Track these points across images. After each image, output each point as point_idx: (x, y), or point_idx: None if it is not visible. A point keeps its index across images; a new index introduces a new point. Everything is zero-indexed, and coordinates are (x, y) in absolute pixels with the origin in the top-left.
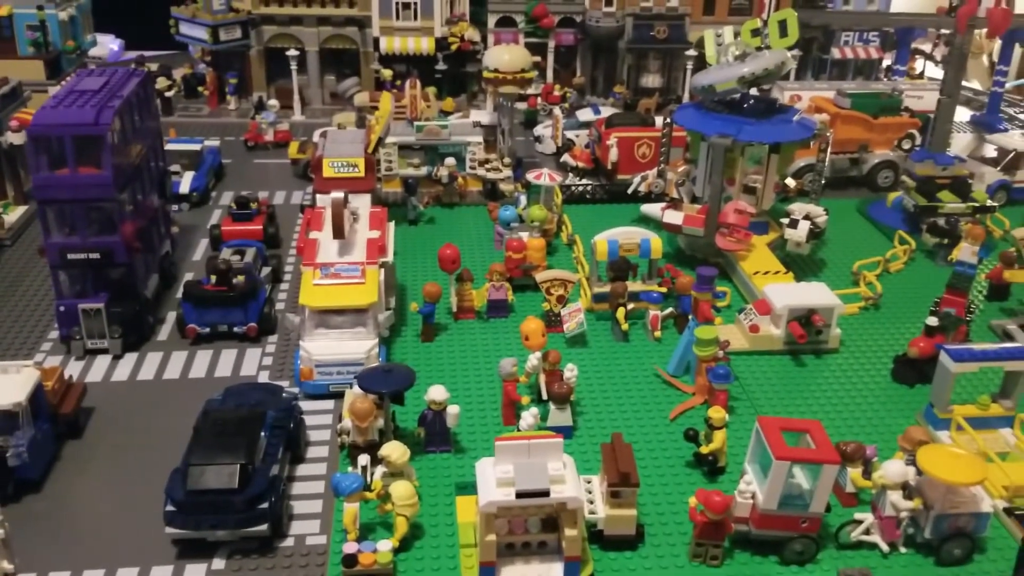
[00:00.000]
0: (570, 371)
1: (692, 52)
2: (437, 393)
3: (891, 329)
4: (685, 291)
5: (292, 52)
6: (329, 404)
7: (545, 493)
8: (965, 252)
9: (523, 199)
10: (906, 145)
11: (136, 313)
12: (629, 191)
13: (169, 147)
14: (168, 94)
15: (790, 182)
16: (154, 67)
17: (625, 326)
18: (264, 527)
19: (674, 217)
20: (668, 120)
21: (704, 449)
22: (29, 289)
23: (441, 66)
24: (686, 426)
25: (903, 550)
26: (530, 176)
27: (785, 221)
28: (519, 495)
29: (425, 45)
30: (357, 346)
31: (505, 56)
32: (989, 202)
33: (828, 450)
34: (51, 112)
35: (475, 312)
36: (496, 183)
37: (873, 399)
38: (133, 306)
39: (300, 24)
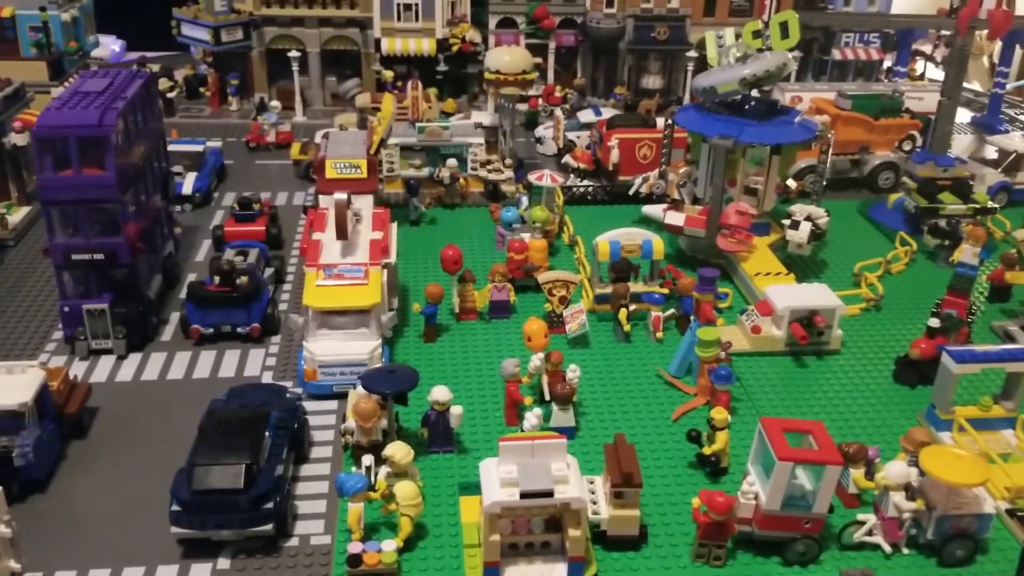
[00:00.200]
0: (572, 372)
1: (693, 53)
2: (440, 394)
3: (892, 330)
4: (687, 292)
5: (293, 53)
6: (332, 404)
7: (549, 493)
8: (966, 253)
9: (524, 200)
10: (907, 146)
11: (140, 314)
12: (630, 192)
13: (171, 148)
14: (170, 95)
15: (791, 183)
16: (156, 68)
17: (627, 327)
18: (269, 527)
19: (675, 218)
20: (669, 121)
21: (706, 450)
22: (32, 290)
23: (442, 67)
24: (688, 427)
25: (905, 551)
26: (531, 177)
27: (786, 222)
28: (523, 495)
29: (426, 46)
30: (360, 347)
31: (506, 57)
32: (990, 204)
33: (831, 451)
34: (56, 113)
35: (477, 313)
36: (497, 184)
37: (875, 400)
38: (137, 307)
39: (301, 25)
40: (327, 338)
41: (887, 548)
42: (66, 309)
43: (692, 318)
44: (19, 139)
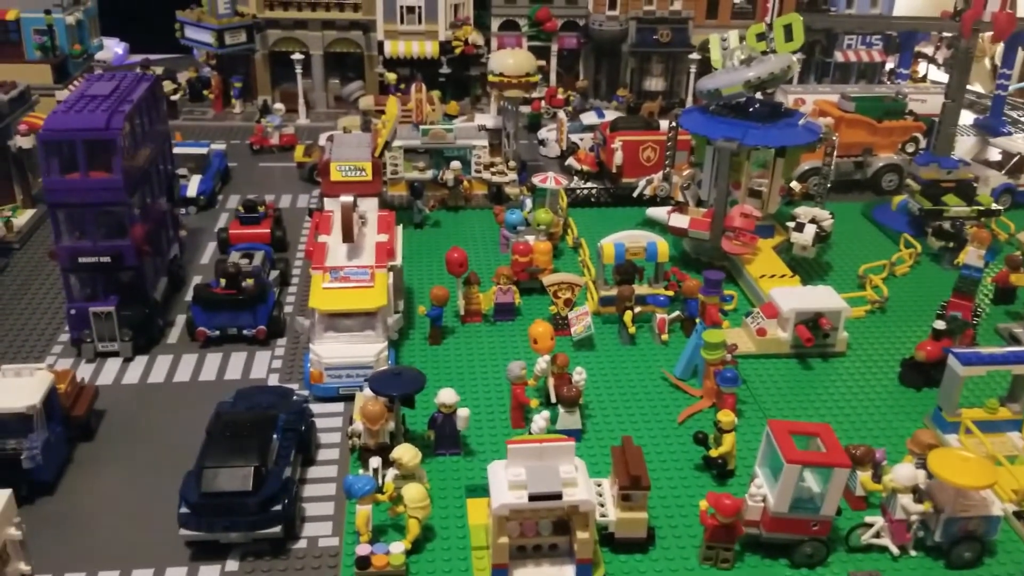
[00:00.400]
0: (579, 374)
1: (695, 56)
2: (447, 396)
3: (898, 332)
4: (691, 294)
5: (297, 56)
6: (339, 407)
7: (557, 496)
8: (971, 256)
9: (529, 203)
10: (910, 148)
11: (146, 316)
12: (635, 194)
13: (176, 151)
14: (173, 98)
15: (795, 186)
16: (159, 71)
17: (632, 329)
18: (277, 529)
19: (680, 221)
20: (674, 124)
21: (713, 452)
22: (38, 292)
23: (445, 70)
24: (694, 429)
25: (913, 553)
26: (535, 179)
27: (791, 225)
28: (532, 498)
29: (429, 49)
30: (366, 349)
31: (510, 60)
32: (994, 206)
33: (838, 453)
34: (63, 116)
35: (482, 315)
36: (501, 186)
37: (880, 402)
38: (143, 309)
39: (305, 28)
40: (333, 340)
41: (895, 550)
42: (73, 312)
43: (697, 320)
44: (24, 142)
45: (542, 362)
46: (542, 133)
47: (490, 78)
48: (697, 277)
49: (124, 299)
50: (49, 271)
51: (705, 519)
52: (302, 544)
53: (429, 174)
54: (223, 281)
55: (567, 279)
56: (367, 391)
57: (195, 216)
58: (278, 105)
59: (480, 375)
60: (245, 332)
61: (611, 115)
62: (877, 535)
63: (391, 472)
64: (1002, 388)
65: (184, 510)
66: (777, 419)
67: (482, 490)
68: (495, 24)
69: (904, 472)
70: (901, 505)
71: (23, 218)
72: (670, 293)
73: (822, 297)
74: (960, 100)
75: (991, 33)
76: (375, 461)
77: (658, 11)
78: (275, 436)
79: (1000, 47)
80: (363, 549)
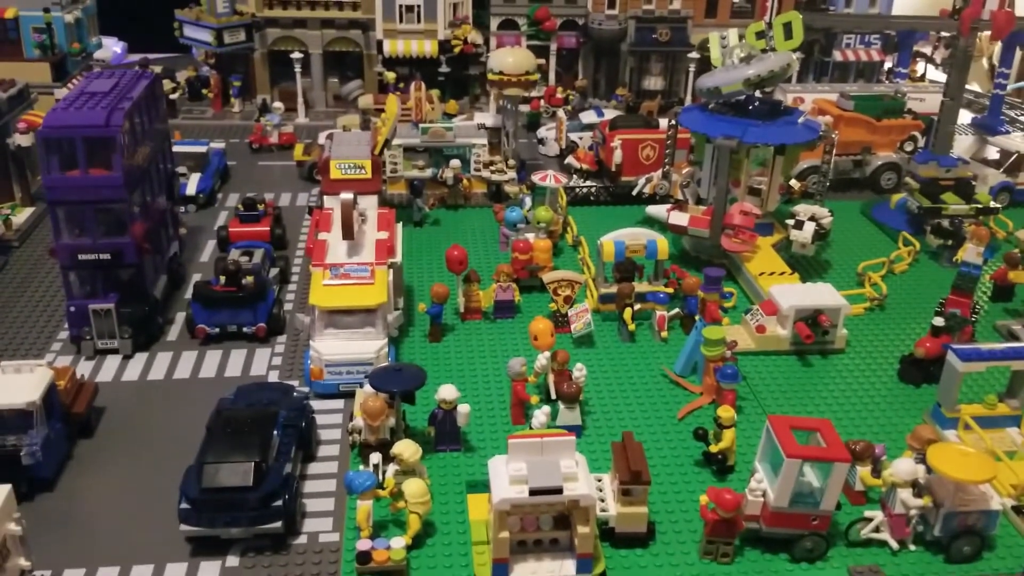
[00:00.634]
0: (579, 371)
1: (694, 55)
2: (448, 392)
3: (897, 330)
4: (691, 292)
5: (296, 55)
6: (339, 403)
7: (558, 490)
8: (970, 253)
9: (528, 201)
10: (908, 147)
11: (146, 313)
12: (634, 192)
13: (175, 149)
14: (172, 97)
15: (794, 184)
16: (158, 70)
17: (632, 327)
18: (278, 524)
19: (679, 218)
20: (673, 122)
21: (713, 448)
22: (38, 290)
23: (444, 69)
24: (694, 426)
25: (912, 548)
26: (535, 178)
27: (790, 222)
28: (532, 492)
29: (428, 48)
30: (367, 346)
31: (509, 59)
32: (992, 204)
33: (839, 448)
34: (62, 114)
35: (482, 313)
36: (500, 185)
37: (880, 399)
38: (143, 306)
39: (304, 27)
40: (334, 337)
41: (894, 545)
42: (72, 309)
43: (697, 317)
44: (23, 140)
45: (542, 359)
46: (541, 132)
47: (490, 76)
48: (697, 274)
49: (124, 296)
50: (48, 269)
51: (705, 514)
52: (303, 540)
53: (428, 172)
54: (223, 279)
55: (567, 276)
56: (368, 387)
57: (194, 214)
58: (277, 104)
59: (480, 372)
60: (245, 329)
61: (610, 114)
62: (877, 530)
63: (392, 468)
64: (1001, 384)
65: (184, 506)
66: (776, 415)
67: (482, 486)
68: (494, 23)
69: (903, 467)
70: (901, 500)
71: (22, 216)
72: (670, 290)
73: (821, 294)
74: (959, 99)
75: (989, 32)
76: (375, 457)
77: (657, 10)
78: (276, 432)
79: (998, 47)
80: (364, 544)
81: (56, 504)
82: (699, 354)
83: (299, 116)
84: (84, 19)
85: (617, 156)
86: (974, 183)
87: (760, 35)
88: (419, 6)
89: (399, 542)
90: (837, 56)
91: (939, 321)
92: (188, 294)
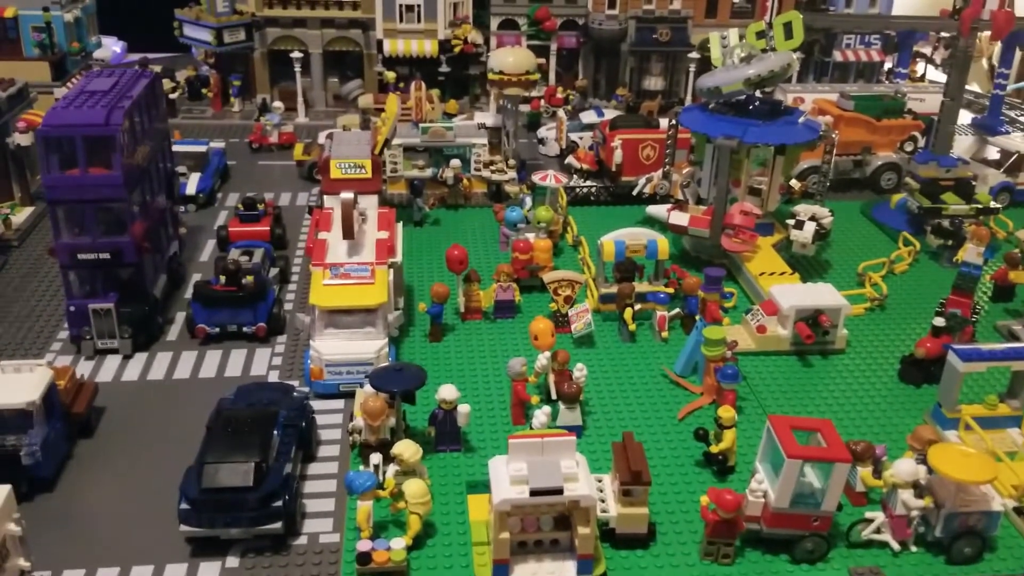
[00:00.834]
0: (579, 371)
1: (694, 55)
2: (448, 392)
3: (897, 330)
4: (691, 292)
5: (296, 54)
6: (339, 403)
7: (559, 491)
8: (970, 253)
9: (528, 201)
10: (909, 147)
11: (146, 313)
12: (634, 192)
13: (175, 149)
14: (172, 96)
15: (794, 184)
16: (157, 69)
17: (632, 327)
18: (278, 525)
19: (680, 218)
20: (674, 122)
21: (714, 448)
22: (37, 290)
23: (444, 68)
24: (694, 426)
25: (913, 548)
26: (535, 178)
27: (790, 222)
28: (533, 493)
29: (428, 47)
30: (367, 346)
31: (510, 58)
32: (992, 204)
33: (840, 449)
34: (62, 113)
35: (482, 313)
36: (501, 185)
37: (880, 399)
38: (142, 306)
39: (304, 26)
40: (334, 337)
41: (895, 546)
42: (72, 308)
43: (698, 317)
44: (23, 139)
45: (543, 359)
46: (541, 132)
47: (490, 76)
48: (697, 274)
49: (124, 296)
50: (48, 268)
51: (706, 514)
52: (303, 540)
53: (429, 172)
54: (223, 278)
55: (567, 276)
56: (368, 387)
57: (194, 214)
58: (277, 103)
59: (480, 372)
60: (245, 329)
61: (610, 114)
62: (878, 531)
63: (392, 468)
64: (1001, 384)
65: (184, 506)
66: (777, 415)
67: (483, 486)
68: (494, 23)
69: (904, 467)
70: (902, 500)
71: (22, 215)
72: (670, 290)
73: (822, 294)
74: (959, 99)
75: (989, 33)
76: (376, 457)
77: (657, 10)
78: (276, 432)
79: (998, 47)
80: (364, 545)
81: (56, 504)
82: (699, 354)
83: (299, 116)
84: (84, 18)
85: (617, 156)
86: (974, 183)
87: (760, 35)
88: (419, 6)
89: (399, 543)
90: (837, 56)
91: (940, 321)
92: (188, 294)
